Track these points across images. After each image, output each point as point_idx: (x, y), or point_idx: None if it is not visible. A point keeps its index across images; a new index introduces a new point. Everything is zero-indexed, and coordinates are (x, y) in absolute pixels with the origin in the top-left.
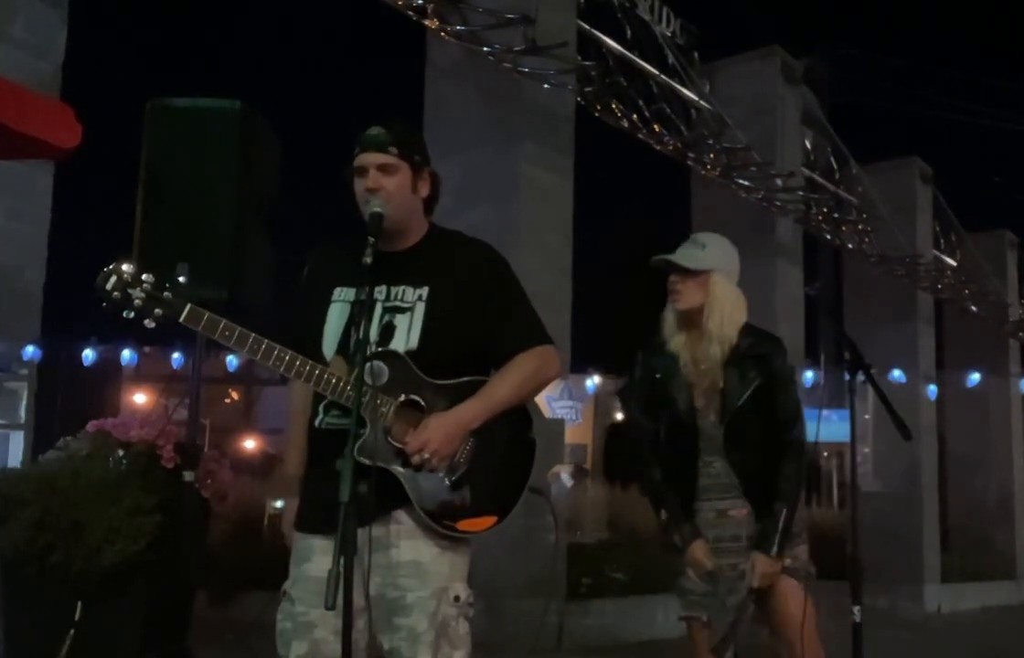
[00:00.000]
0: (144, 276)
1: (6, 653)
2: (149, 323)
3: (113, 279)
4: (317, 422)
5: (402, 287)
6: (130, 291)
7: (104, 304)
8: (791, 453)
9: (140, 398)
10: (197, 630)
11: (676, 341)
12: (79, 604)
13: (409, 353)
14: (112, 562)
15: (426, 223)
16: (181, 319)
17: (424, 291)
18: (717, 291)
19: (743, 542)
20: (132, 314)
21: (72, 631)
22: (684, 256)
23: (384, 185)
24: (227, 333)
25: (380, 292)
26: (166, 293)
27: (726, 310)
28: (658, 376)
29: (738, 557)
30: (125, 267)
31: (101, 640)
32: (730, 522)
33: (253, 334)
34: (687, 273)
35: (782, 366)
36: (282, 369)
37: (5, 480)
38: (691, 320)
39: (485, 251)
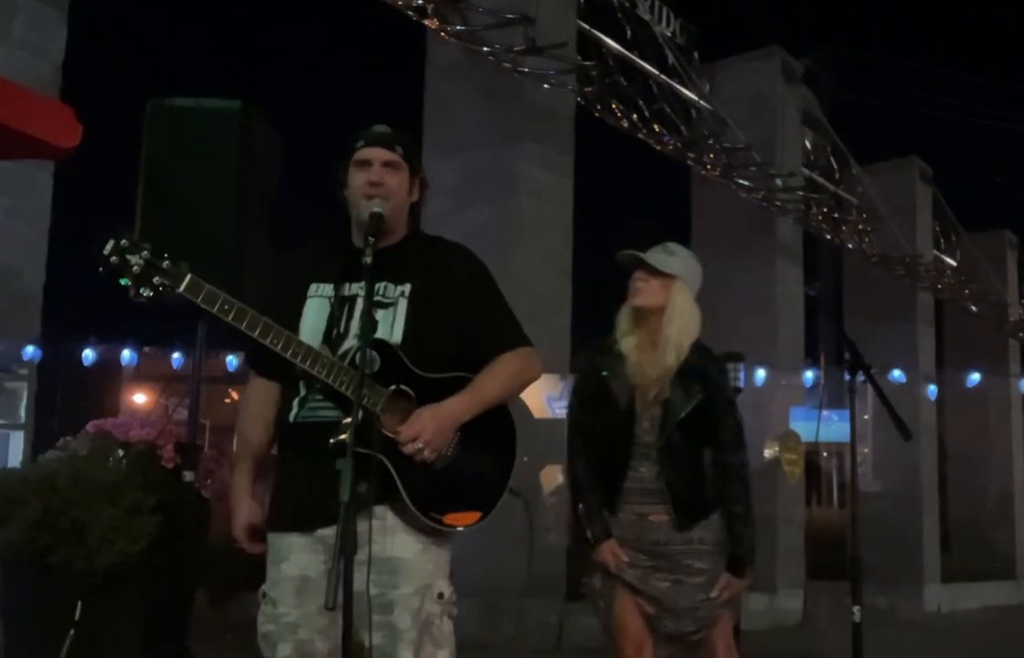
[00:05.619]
0: (143, 244)
1: (6, 653)
2: (145, 291)
3: (111, 244)
4: (292, 417)
5: (384, 283)
6: (129, 257)
7: (100, 269)
8: (735, 476)
9: (140, 398)
10: (197, 630)
11: (627, 342)
12: (79, 604)
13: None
14: (112, 562)
15: (408, 226)
16: (181, 289)
17: (406, 288)
18: (679, 299)
19: (660, 547)
20: (129, 281)
21: (72, 631)
22: (652, 256)
23: (387, 181)
24: (226, 307)
25: (361, 287)
26: (165, 263)
27: (684, 320)
28: (603, 374)
29: (654, 560)
30: (124, 235)
31: (101, 640)
32: (649, 527)
33: (251, 311)
34: (652, 272)
35: (725, 388)
36: (279, 347)
37: (5, 480)
38: (645, 323)
39: (465, 254)
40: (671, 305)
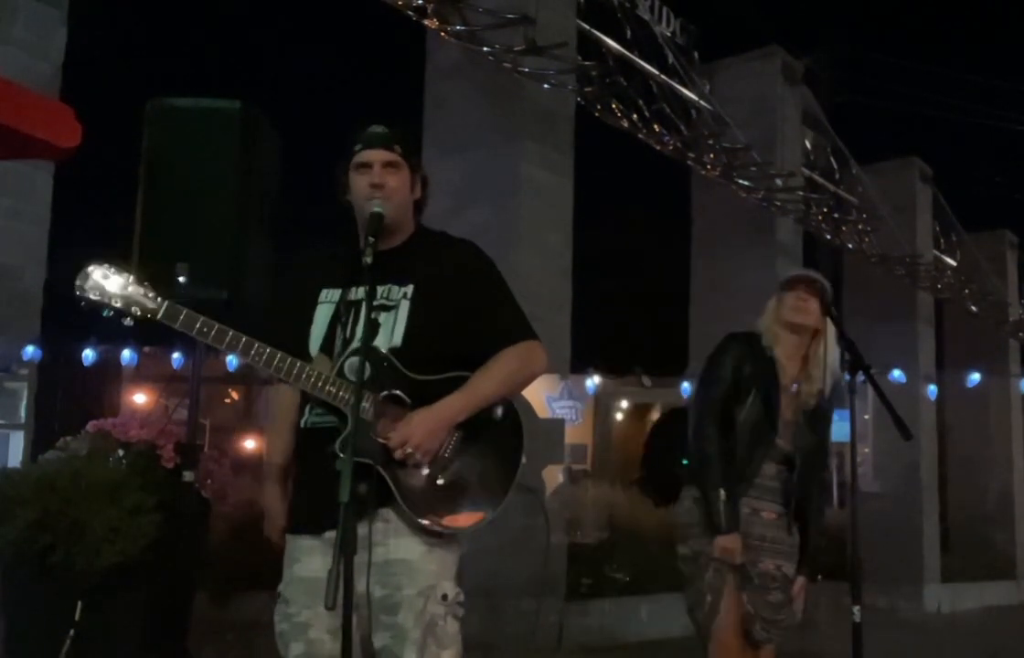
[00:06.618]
0: (123, 275)
1: (6, 653)
2: (128, 321)
3: (91, 279)
4: (303, 422)
5: (387, 286)
6: (109, 290)
7: (83, 303)
8: (823, 491)
9: (140, 398)
10: (197, 630)
11: (779, 351)
12: (79, 604)
13: (392, 350)
14: (112, 562)
15: (413, 224)
16: (159, 317)
17: (409, 289)
18: (831, 325)
19: (765, 543)
20: (111, 313)
21: (72, 631)
22: (819, 277)
23: (388, 182)
24: (204, 329)
25: (366, 291)
26: (144, 291)
27: (833, 343)
28: (748, 372)
29: (758, 554)
30: (104, 266)
31: (101, 640)
32: (759, 521)
33: (232, 330)
34: (815, 293)
35: (832, 407)
36: (261, 364)
37: (5, 480)
38: (795, 336)
39: (470, 250)
40: (825, 332)
